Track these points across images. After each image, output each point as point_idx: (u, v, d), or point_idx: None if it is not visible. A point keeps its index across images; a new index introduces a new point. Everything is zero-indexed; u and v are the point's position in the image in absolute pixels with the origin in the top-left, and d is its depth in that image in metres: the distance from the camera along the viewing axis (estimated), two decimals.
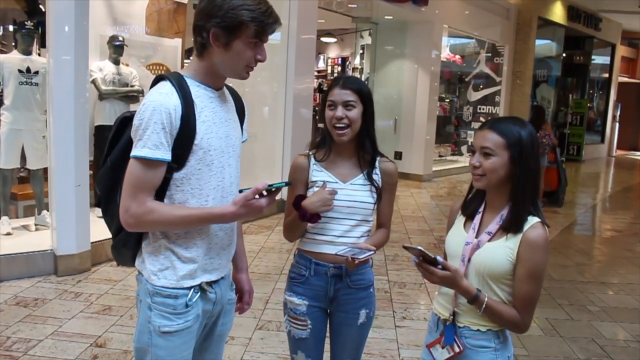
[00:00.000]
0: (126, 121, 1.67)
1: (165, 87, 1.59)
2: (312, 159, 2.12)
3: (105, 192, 1.73)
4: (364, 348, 2.24)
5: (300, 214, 1.99)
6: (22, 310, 3.81)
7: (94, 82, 5.63)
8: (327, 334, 2.21)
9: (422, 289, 4.61)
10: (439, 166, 11.27)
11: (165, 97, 1.56)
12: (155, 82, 1.65)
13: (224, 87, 1.77)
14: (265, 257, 5.33)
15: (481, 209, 1.82)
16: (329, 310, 2.16)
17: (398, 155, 10.48)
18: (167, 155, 1.56)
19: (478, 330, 1.77)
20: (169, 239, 1.66)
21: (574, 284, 5.14)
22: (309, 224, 2.06)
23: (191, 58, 1.70)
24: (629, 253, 6.51)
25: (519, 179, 1.71)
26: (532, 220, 1.72)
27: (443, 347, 1.81)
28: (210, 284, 1.73)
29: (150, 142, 1.53)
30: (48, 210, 5.09)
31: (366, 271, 2.14)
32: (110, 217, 1.73)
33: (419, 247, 1.64)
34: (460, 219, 1.89)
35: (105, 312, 3.83)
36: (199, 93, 1.64)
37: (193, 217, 1.61)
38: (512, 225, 1.71)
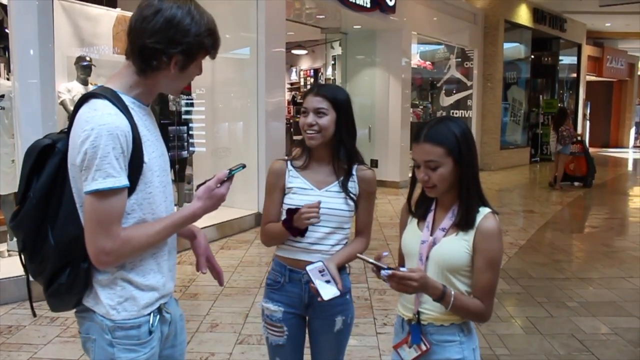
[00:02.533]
0: (47, 150, 1.52)
1: (108, 106, 1.45)
2: (289, 165, 2.13)
3: (33, 233, 1.53)
4: (344, 355, 2.23)
5: (287, 227, 2.02)
6: None
7: (62, 103, 5.58)
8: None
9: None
10: None
11: (115, 118, 1.44)
12: (84, 100, 1.49)
13: None
14: (244, 271, 5.29)
15: (432, 207, 1.86)
16: (307, 317, 2.16)
17: (374, 163, 10.53)
18: (127, 180, 1.45)
19: (442, 325, 1.80)
20: (125, 269, 1.54)
21: (553, 281, 5.19)
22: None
23: (123, 70, 1.56)
24: (605, 248, 6.61)
25: (464, 177, 1.76)
26: (484, 211, 1.76)
27: (410, 347, 1.83)
28: (164, 304, 1.68)
29: (114, 170, 1.41)
30: None
31: (342, 278, 2.10)
32: (39, 262, 1.55)
33: (372, 260, 1.66)
34: (413, 219, 1.92)
35: None
36: (134, 111, 1.52)
37: (169, 226, 1.55)
38: (464, 223, 1.75)
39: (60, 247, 1.50)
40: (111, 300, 1.54)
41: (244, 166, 1.69)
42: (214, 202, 1.59)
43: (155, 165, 1.56)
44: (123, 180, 1.44)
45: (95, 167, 1.40)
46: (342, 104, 2.06)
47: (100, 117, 1.42)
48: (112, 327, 1.55)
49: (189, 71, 1.58)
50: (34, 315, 1.77)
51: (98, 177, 1.40)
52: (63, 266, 1.52)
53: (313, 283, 1.89)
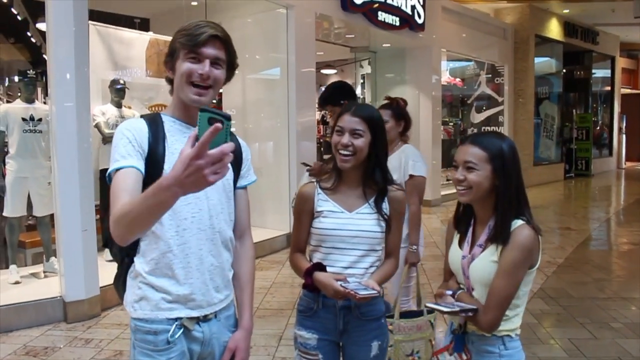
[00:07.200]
0: None
1: (136, 118, 1.68)
2: (318, 188, 2.09)
3: (109, 230, 1.69)
4: None
5: (306, 282, 1.99)
6: None
7: (97, 126, 5.67)
8: None
9: (439, 316, 4.49)
10: (447, 190, 11.17)
11: (131, 122, 1.65)
12: None
13: None
14: (277, 292, 5.25)
15: (472, 223, 1.90)
16: (341, 343, 2.10)
17: None
18: (136, 163, 1.55)
19: (483, 335, 1.83)
20: (144, 267, 1.64)
21: (595, 301, 5.01)
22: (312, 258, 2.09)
23: None
24: None
25: (502, 191, 1.78)
26: (516, 223, 1.77)
27: (451, 354, 1.88)
28: (196, 321, 1.66)
29: (118, 156, 1.56)
30: (56, 257, 5.06)
31: (377, 301, 2.06)
32: (113, 253, 1.76)
33: (458, 307, 1.76)
34: (456, 236, 1.96)
35: (117, 357, 3.76)
36: (173, 128, 1.66)
37: (141, 196, 1.32)
38: (497, 237, 1.77)
39: (117, 244, 1.62)
40: (130, 296, 1.67)
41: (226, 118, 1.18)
42: (190, 174, 1.15)
43: None
44: (126, 162, 1.54)
45: (111, 160, 1.58)
46: (377, 125, 2.02)
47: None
48: (134, 328, 1.66)
49: (177, 68, 1.64)
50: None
51: (110, 165, 1.57)
52: (121, 260, 1.72)
53: (348, 289, 1.84)
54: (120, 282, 1.73)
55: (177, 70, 1.63)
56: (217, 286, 1.71)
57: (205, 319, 1.68)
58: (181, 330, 1.63)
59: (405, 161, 3.25)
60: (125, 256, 1.68)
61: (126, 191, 1.49)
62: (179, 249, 1.62)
